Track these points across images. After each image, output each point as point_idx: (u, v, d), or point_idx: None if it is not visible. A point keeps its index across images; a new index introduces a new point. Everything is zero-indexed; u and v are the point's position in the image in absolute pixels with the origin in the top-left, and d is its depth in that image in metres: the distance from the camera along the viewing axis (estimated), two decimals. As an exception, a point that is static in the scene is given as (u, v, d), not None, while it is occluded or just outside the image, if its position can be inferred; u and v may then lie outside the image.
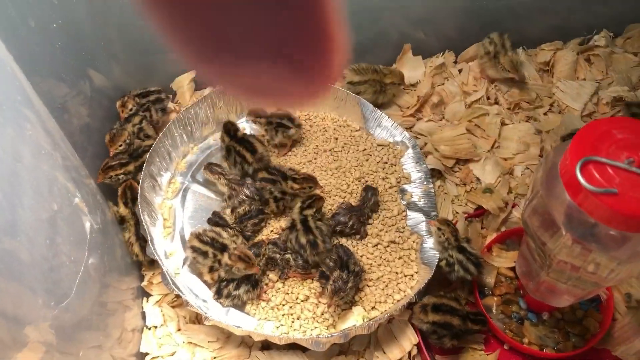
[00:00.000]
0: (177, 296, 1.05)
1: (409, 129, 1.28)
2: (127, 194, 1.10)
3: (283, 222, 1.10)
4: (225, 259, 0.96)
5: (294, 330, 0.99)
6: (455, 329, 0.94)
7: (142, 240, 1.05)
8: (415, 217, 1.14)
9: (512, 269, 1.06)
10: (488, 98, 1.35)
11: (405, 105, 1.33)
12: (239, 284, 0.98)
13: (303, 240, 0.99)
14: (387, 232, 1.11)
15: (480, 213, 1.15)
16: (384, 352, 0.99)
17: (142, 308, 1.06)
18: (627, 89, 1.32)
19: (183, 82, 1.34)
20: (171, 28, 0.21)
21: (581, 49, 1.42)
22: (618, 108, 1.31)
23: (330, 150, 1.23)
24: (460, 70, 1.39)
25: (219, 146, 1.21)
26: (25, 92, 0.76)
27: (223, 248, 0.98)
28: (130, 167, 1.13)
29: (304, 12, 0.21)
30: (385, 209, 1.14)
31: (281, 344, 0.95)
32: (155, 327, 1.04)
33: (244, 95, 0.24)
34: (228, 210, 1.10)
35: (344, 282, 0.94)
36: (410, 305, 1.00)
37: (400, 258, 1.08)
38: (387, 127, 1.24)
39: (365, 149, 1.23)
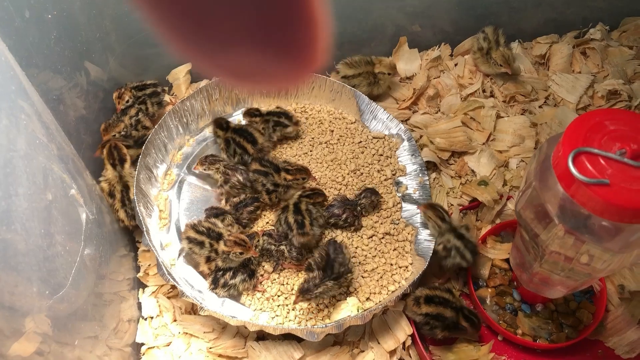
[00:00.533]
0: (173, 287, 1.06)
1: (404, 121, 1.29)
2: (113, 155, 1.09)
3: (278, 215, 1.10)
4: (221, 247, 0.96)
5: (289, 320, 0.99)
6: (447, 320, 0.95)
7: (129, 207, 1.06)
8: (410, 209, 1.14)
9: (507, 260, 1.06)
10: (484, 91, 1.35)
11: (401, 98, 1.34)
12: (235, 273, 0.98)
13: (291, 219, 1.00)
14: (382, 224, 1.11)
15: (475, 205, 1.16)
16: (379, 343, 1.00)
17: (138, 299, 1.07)
18: (623, 82, 1.32)
19: (179, 74, 1.34)
20: (158, 16, 0.22)
21: (577, 42, 1.42)
22: (613, 101, 1.32)
23: (325, 143, 1.23)
24: (456, 64, 1.39)
25: (214, 138, 1.21)
26: (20, 82, 0.76)
27: (219, 237, 0.98)
28: (132, 152, 1.14)
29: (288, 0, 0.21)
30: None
31: (276, 334, 0.96)
32: (151, 317, 1.05)
33: (230, 80, 0.25)
34: (223, 201, 1.10)
35: (315, 285, 0.94)
36: (404, 296, 1.00)
37: (395, 250, 1.08)
38: (383, 120, 1.24)
39: (360, 142, 1.23)
